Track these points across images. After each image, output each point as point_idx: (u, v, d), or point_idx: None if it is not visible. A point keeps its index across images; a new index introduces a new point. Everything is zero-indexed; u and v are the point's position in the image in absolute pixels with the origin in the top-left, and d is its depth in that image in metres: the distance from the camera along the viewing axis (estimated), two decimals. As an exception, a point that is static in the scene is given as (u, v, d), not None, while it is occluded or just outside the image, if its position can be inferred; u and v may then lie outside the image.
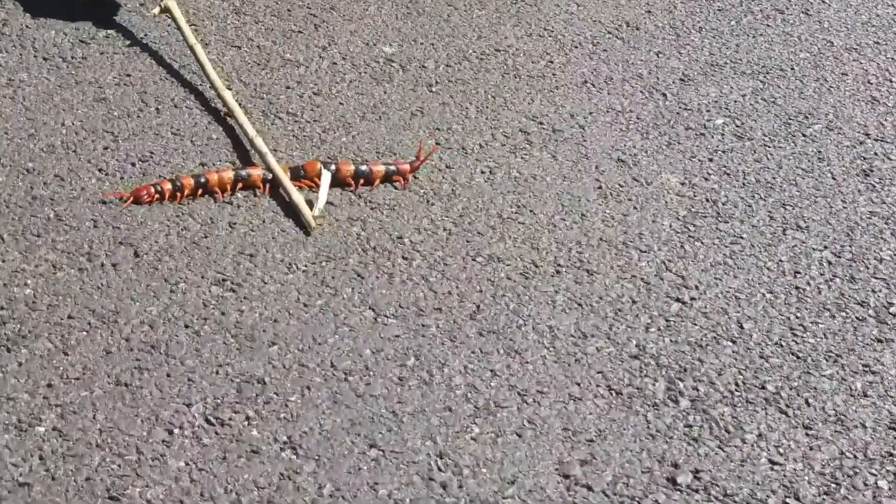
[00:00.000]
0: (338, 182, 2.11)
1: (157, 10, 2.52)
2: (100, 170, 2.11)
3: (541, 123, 2.33)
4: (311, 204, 2.04)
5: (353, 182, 2.11)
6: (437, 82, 2.45)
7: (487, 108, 2.37)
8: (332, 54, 2.52)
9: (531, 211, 2.07)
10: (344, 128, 2.28)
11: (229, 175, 2.07)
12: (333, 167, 2.11)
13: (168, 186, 2.04)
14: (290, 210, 2.04)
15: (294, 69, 2.46)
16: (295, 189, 2.07)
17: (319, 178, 2.10)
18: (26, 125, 2.22)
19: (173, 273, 1.88)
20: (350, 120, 2.30)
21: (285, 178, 2.08)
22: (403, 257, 1.94)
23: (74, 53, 2.46)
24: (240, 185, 2.08)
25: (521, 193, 2.12)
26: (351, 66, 2.49)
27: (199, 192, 2.06)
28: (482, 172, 2.17)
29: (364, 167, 2.12)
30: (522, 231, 2.02)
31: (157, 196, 2.04)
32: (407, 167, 2.15)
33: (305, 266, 1.91)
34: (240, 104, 2.30)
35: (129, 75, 2.40)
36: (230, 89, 2.35)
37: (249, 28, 2.60)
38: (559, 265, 1.95)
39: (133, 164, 2.13)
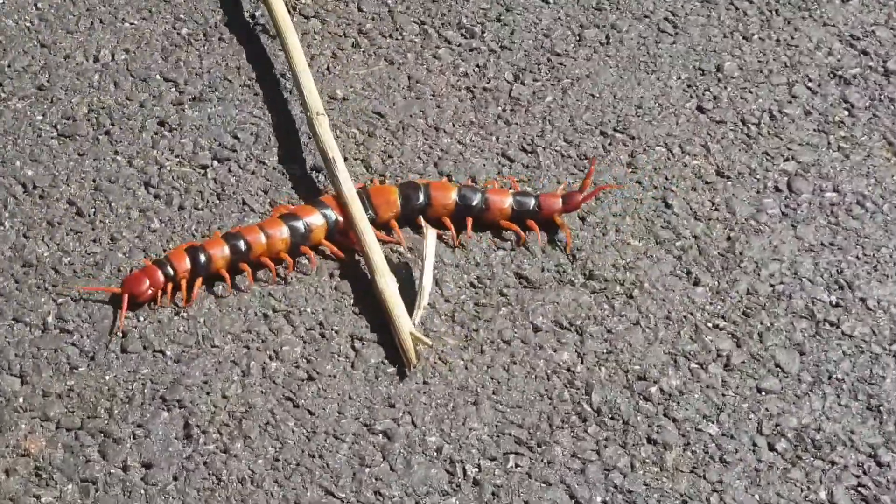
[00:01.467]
0: (433, 221, 1.30)
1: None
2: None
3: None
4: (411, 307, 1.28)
5: (448, 222, 1.30)
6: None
7: None
8: None
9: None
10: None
11: (282, 233, 1.27)
12: (423, 199, 1.27)
13: (183, 264, 1.23)
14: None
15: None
16: (385, 267, 1.26)
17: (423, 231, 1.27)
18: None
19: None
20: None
21: (371, 238, 1.27)
22: None
23: None
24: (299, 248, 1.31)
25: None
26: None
27: (238, 265, 1.28)
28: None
29: (475, 196, 1.29)
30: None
31: (165, 283, 1.24)
32: (557, 203, 1.32)
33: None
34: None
35: None
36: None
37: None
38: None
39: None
